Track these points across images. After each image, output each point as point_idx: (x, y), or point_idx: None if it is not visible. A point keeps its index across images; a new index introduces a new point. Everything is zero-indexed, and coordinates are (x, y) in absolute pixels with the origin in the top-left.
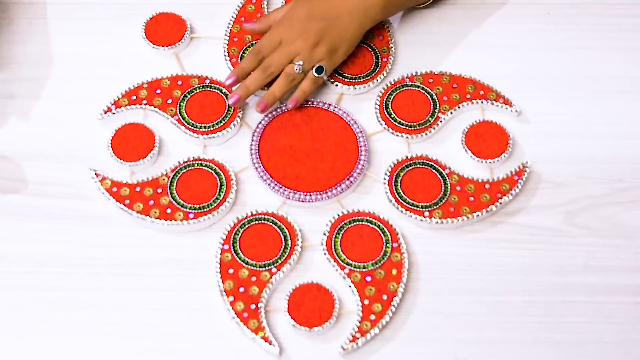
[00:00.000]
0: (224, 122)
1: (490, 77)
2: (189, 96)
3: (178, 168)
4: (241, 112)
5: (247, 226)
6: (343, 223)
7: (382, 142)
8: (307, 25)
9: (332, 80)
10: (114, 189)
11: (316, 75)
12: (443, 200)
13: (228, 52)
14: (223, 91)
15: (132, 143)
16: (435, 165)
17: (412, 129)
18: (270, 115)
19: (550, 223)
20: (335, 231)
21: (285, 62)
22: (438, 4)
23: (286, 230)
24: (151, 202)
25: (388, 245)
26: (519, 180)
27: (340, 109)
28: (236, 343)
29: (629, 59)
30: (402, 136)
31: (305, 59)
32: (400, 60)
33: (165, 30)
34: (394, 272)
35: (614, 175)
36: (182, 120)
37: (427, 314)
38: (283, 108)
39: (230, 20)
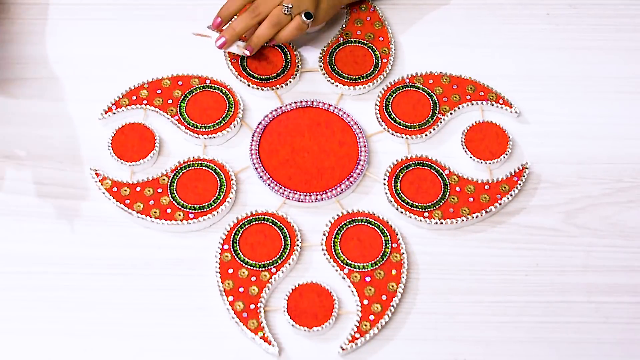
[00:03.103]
0: (224, 122)
1: (490, 78)
2: (189, 96)
3: (178, 168)
4: (241, 112)
5: (247, 226)
6: (343, 223)
7: (382, 142)
8: None
9: (332, 80)
10: (114, 189)
11: (304, 19)
12: (443, 201)
13: (228, 52)
14: (223, 91)
15: (132, 143)
16: (434, 166)
17: (412, 129)
18: (270, 116)
19: (550, 223)
20: (335, 231)
21: (273, 6)
22: (438, 4)
23: (286, 231)
24: (151, 202)
25: (387, 245)
26: (519, 182)
27: (340, 109)
28: (235, 343)
29: (628, 59)
30: (402, 137)
31: (294, 4)
32: (400, 61)
33: None
34: (394, 272)
35: (613, 175)
36: (183, 121)
37: (427, 314)
38: (283, 109)
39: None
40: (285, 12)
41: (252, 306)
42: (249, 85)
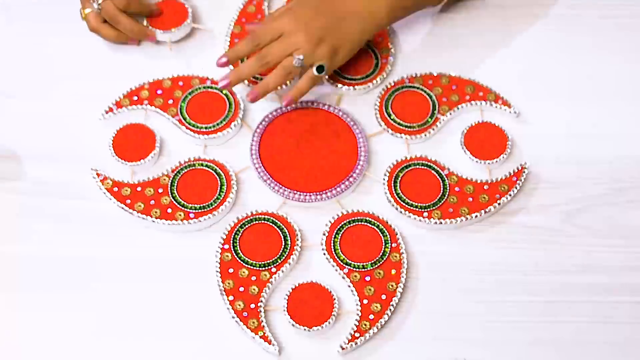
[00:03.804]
0: (224, 122)
1: (489, 78)
2: (190, 97)
3: (179, 168)
4: (242, 112)
5: (247, 226)
6: (342, 223)
7: (382, 142)
8: (311, 21)
9: (332, 80)
10: (115, 189)
11: (316, 74)
12: (442, 201)
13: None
14: (224, 92)
15: (133, 143)
16: (434, 166)
17: (412, 129)
18: (270, 116)
19: (550, 223)
20: (335, 231)
21: (283, 55)
22: (438, 8)
23: (286, 230)
24: (152, 202)
25: (387, 245)
26: (518, 181)
27: (340, 109)
28: (236, 342)
29: (628, 59)
30: (402, 137)
31: (307, 55)
32: (400, 62)
33: (167, 16)
34: (393, 272)
35: (613, 175)
36: (183, 121)
37: (426, 314)
38: (283, 109)
39: (232, 21)
40: (296, 64)
41: (252, 306)
42: (248, 85)
